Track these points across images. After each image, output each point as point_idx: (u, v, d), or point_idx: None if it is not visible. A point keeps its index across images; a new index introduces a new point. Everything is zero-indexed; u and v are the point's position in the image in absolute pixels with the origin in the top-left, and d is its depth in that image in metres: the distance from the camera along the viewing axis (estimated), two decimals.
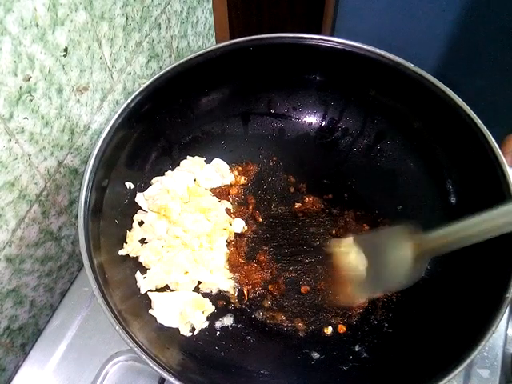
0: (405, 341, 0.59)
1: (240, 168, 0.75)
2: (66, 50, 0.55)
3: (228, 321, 0.62)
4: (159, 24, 0.76)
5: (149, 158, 0.69)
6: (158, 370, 0.46)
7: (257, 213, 0.71)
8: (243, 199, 0.73)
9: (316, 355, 0.59)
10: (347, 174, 0.73)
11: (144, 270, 0.62)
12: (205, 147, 0.74)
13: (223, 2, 1.04)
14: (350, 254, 0.54)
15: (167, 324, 0.59)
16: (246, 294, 0.64)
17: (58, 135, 0.59)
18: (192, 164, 0.72)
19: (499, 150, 0.56)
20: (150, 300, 0.60)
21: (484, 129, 0.58)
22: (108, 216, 0.60)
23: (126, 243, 0.63)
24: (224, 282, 0.64)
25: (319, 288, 0.65)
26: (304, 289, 0.64)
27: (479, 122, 0.58)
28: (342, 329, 0.61)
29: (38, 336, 0.66)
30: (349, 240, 0.56)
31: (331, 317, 0.62)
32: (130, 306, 0.57)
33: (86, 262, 0.51)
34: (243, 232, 0.69)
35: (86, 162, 0.56)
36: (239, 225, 0.69)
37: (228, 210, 0.70)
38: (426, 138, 0.68)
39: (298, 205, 0.72)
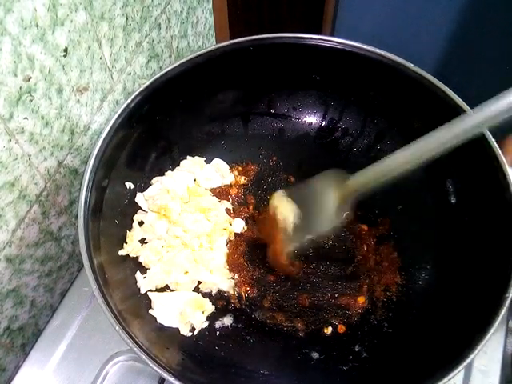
0: (405, 341, 0.59)
1: (240, 168, 0.75)
2: (65, 50, 0.55)
3: (228, 321, 0.62)
4: (159, 24, 0.76)
5: (149, 158, 0.69)
6: (158, 370, 0.46)
7: (257, 213, 0.71)
8: (243, 199, 0.73)
9: (316, 355, 0.59)
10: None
11: (144, 270, 0.62)
12: (205, 147, 0.74)
13: (223, 2, 1.04)
14: (280, 205, 0.59)
15: (167, 324, 0.59)
16: (243, 294, 0.64)
17: (57, 135, 0.59)
18: (192, 164, 0.72)
19: (499, 150, 0.56)
20: (149, 300, 0.60)
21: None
22: (108, 216, 0.60)
23: (126, 243, 0.63)
24: (224, 282, 0.64)
25: (319, 287, 0.65)
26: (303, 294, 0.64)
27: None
28: (341, 329, 0.61)
29: (38, 336, 0.66)
30: (279, 192, 0.61)
31: (331, 317, 0.62)
32: (130, 306, 0.57)
33: (85, 262, 0.51)
34: (243, 232, 0.69)
35: (86, 162, 0.56)
36: (239, 225, 0.69)
37: (228, 210, 0.70)
38: None
39: None
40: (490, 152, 0.57)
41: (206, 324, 0.61)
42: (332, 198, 0.55)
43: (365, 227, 0.69)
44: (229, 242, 0.68)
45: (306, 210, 0.58)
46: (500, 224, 0.55)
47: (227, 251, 0.67)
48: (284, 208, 0.60)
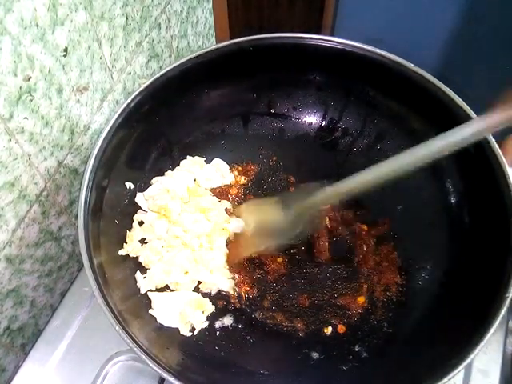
0: (405, 341, 0.59)
1: (240, 168, 0.75)
2: (65, 50, 0.55)
3: (228, 321, 0.62)
4: (159, 24, 0.76)
5: (149, 158, 0.69)
6: (158, 369, 0.46)
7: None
8: (243, 199, 0.73)
9: (316, 355, 0.59)
10: (347, 174, 0.73)
11: (144, 270, 0.62)
12: (205, 147, 0.74)
13: (223, 2, 1.04)
14: (244, 213, 0.67)
15: (167, 324, 0.59)
16: (243, 294, 0.64)
17: (58, 135, 0.59)
18: (192, 164, 0.72)
19: (499, 150, 0.56)
20: (149, 300, 0.60)
21: None
22: (108, 216, 0.60)
23: (126, 243, 0.63)
24: (224, 282, 0.64)
25: (319, 287, 0.65)
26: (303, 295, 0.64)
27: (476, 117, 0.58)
28: (341, 329, 0.61)
29: (38, 336, 0.66)
30: (249, 202, 0.68)
31: (331, 317, 0.62)
32: (130, 305, 0.57)
33: (85, 262, 0.50)
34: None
35: (85, 162, 0.56)
36: (237, 225, 0.69)
37: (228, 210, 0.70)
38: (426, 138, 0.68)
39: None
40: (490, 152, 0.57)
41: (206, 324, 0.61)
42: (290, 214, 0.60)
43: (365, 227, 0.69)
44: (229, 242, 0.68)
45: (268, 222, 0.64)
46: (500, 224, 0.55)
47: (227, 251, 0.67)
48: (246, 217, 0.66)
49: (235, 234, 0.68)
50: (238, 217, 0.68)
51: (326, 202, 0.61)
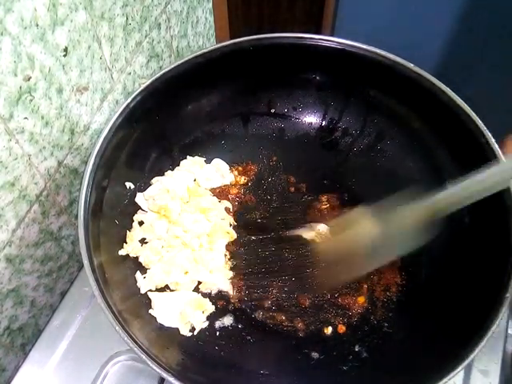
0: (405, 341, 0.59)
1: (240, 168, 0.75)
2: (66, 49, 0.55)
3: (228, 321, 0.62)
4: (159, 24, 0.76)
5: (149, 158, 0.69)
6: (158, 369, 0.46)
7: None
8: (243, 199, 0.73)
9: (316, 355, 0.59)
10: (347, 174, 0.73)
11: (144, 270, 0.62)
12: (205, 147, 0.74)
13: (223, 2, 1.04)
14: (362, 222, 0.56)
15: (167, 324, 0.59)
16: (243, 294, 0.64)
17: (57, 135, 0.59)
18: (192, 164, 0.72)
19: (499, 150, 0.56)
20: (149, 300, 0.60)
21: (484, 129, 0.58)
22: (108, 216, 0.60)
23: (126, 243, 0.63)
24: (224, 282, 0.64)
25: (320, 286, 0.65)
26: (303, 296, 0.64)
27: (479, 122, 0.58)
28: (341, 329, 0.61)
29: (38, 336, 0.66)
30: (360, 209, 0.57)
31: (331, 317, 0.62)
32: (130, 305, 0.57)
33: (85, 262, 0.50)
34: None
35: (85, 162, 0.56)
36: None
37: (228, 209, 0.70)
38: (426, 138, 0.68)
39: None
40: (490, 152, 0.57)
41: (205, 324, 0.61)
42: (413, 222, 0.53)
43: None
44: (229, 242, 0.68)
45: (387, 231, 0.55)
46: (500, 224, 0.55)
47: (227, 251, 0.67)
48: (365, 226, 0.56)
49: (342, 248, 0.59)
50: (357, 223, 0.57)
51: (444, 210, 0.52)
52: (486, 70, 1.12)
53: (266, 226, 0.70)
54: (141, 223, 0.66)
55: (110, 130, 0.59)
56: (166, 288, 0.62)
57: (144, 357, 0.47)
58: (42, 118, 0.55)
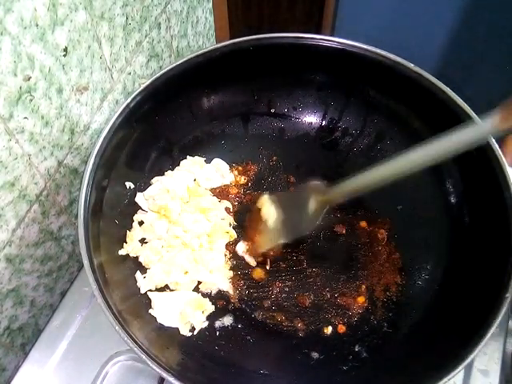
0: (405, 341, 0.59)
1: (240, 168, 0.75)
2: (65, 49, 0.55)
3: (228, 321, 0.62)
4: (159, 24, 0.76)
5: (149, 158, 0.69)
6: (158, 369, 0.46)
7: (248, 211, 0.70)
8: (243, 199, 0.73)
9: (316, 355, 0.59)
10: (347, 174, 0.73)
11: (144, 270, 0.62)
12: (205, 147, 0.74)
13: (223, 2, 1.04)
14: (263, 208, 0.65)
15: (167, 324, 0.59)
16: (243, 294, 0.64)
17: (57, 135, 0.59)
18: (192, 164, 0.72)
19: (499, 149, 0.56)
20: (149, 300, 0.60)
21: None
22: (108, 216, 0.60)
23: (126, 243, 0.63)
24: (224, 282, 0.64)
25: (319, 287, 0.65)
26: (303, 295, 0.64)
27: (479, 121, 0.58)
28: (341, 329, 0.61)
29: (37, 336, 0.66)
30: (264, 197, 0.66)
31: (331, 317, 0.62)
32: (130, 306, 0.57)
33: (85, 262, 0.51)
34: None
35: (85, 162, 0.56)
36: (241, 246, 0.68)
37: (228, 209, 0.70)
38: (426, 138, 0.68)
39: None
40: (490, 152, 0.57)
41: (205, 324, 0.61)
42: (309, 207, 0.61)
43: (365, 227, 0.69)
44: (229, 242, 0.68)
45: (287, 216, 0.64)
46: (500, 224, 0.55)
47: (227, 251, 0.67)
48: (266, 211, 0.65)
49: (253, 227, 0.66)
50: (259, 207, 0.66)
51: (339, 198, 0.60)
52: (486, 70, 1.12)
53: None
54: (141, 223, 0.66)
55: (109, 130, 0.59)
56: (165, 288, 0.62)
57: (144, 357, 0.47)
58: (42, 117, 0.55)
